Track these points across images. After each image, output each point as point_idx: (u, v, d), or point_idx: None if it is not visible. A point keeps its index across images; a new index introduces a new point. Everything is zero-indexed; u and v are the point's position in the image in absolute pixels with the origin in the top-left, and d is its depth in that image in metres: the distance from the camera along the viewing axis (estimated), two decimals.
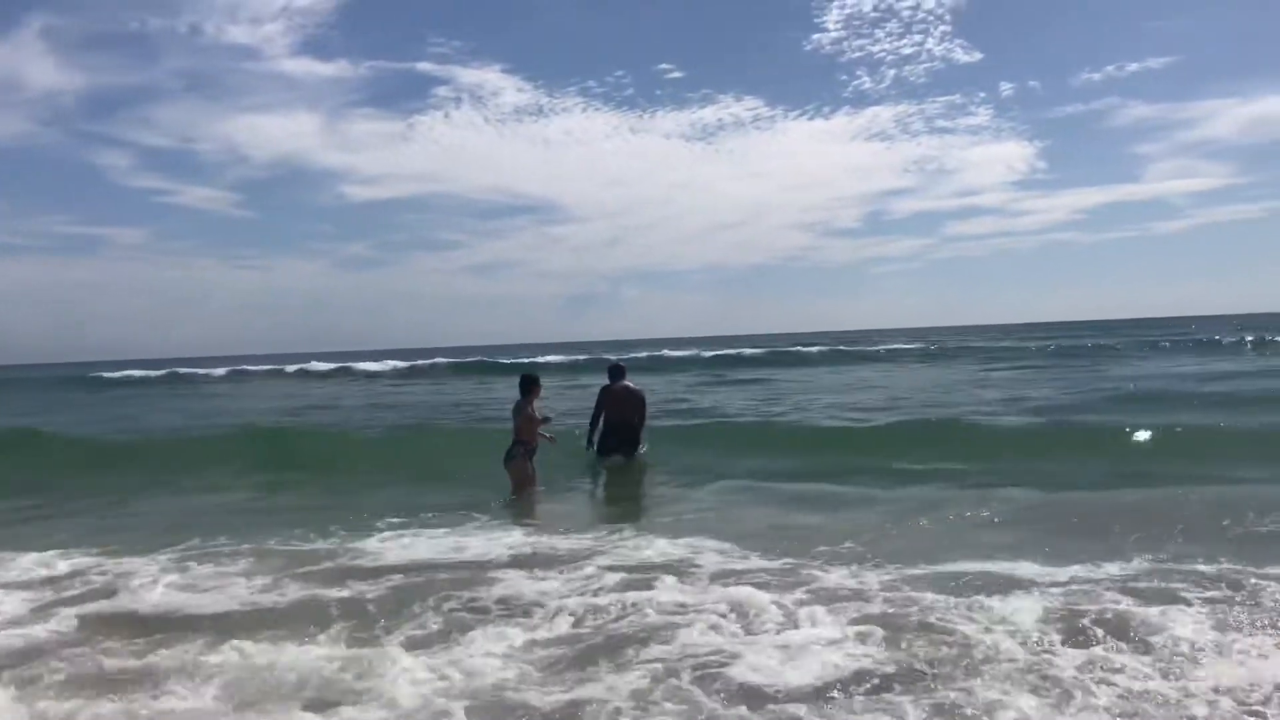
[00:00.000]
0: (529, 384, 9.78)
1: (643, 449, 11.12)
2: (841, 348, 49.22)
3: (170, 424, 20.30)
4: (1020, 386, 22.63)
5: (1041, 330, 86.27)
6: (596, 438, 10.99)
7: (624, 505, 9.61)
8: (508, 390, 25.80)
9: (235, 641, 4.90)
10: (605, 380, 11.27)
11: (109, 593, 6.13)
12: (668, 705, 3.98)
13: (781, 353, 45.44)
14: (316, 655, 4.70)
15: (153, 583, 6.32)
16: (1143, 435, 11.51)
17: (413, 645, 4.87)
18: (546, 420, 9.93)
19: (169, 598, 5.97)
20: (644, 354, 49.09)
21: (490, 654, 4.67)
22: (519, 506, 9.19)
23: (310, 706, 4.09)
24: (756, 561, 6.47)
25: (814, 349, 47.96)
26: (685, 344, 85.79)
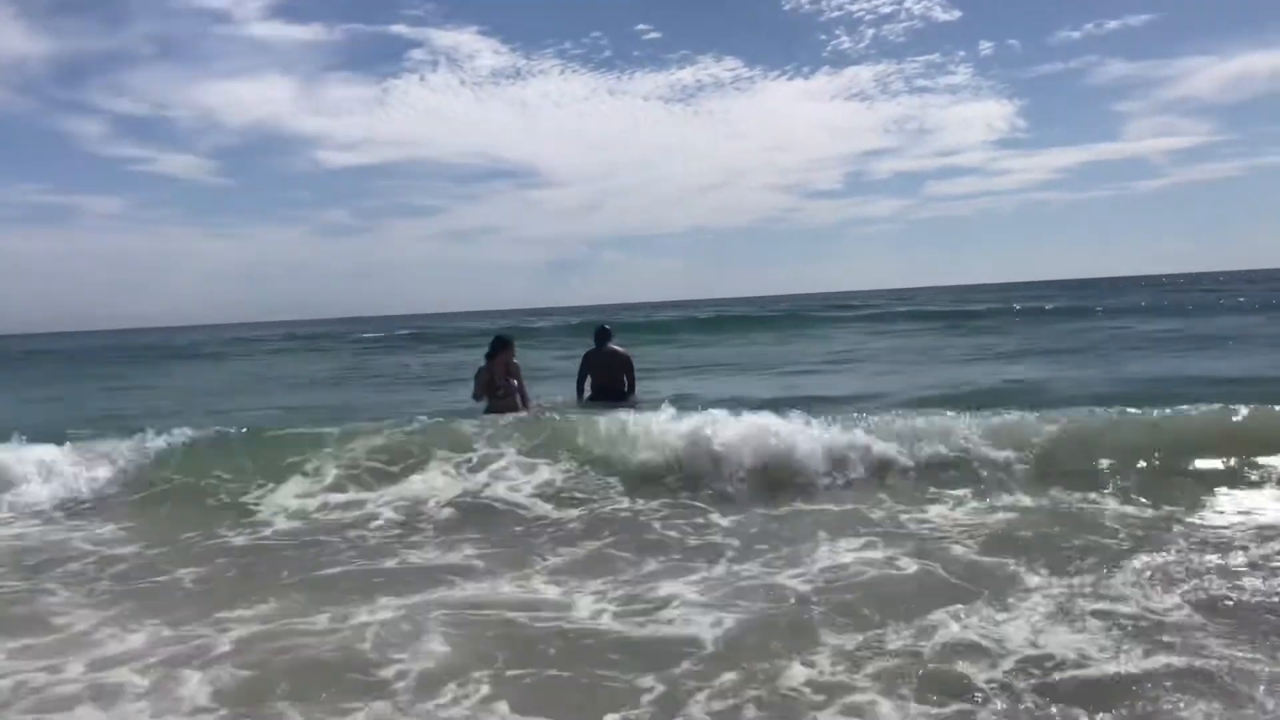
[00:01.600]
0: (496, 346, 9.60)
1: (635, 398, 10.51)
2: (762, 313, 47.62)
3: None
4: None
5: (1022, 290, 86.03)
6: (585, 401, 10.48)
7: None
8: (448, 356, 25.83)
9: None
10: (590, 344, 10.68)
11: None
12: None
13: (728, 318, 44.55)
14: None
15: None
16: None
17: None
18: (511, 389, 9.57)
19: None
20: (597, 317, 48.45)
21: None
22: None
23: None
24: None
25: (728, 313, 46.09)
26: (663, 308, 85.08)
